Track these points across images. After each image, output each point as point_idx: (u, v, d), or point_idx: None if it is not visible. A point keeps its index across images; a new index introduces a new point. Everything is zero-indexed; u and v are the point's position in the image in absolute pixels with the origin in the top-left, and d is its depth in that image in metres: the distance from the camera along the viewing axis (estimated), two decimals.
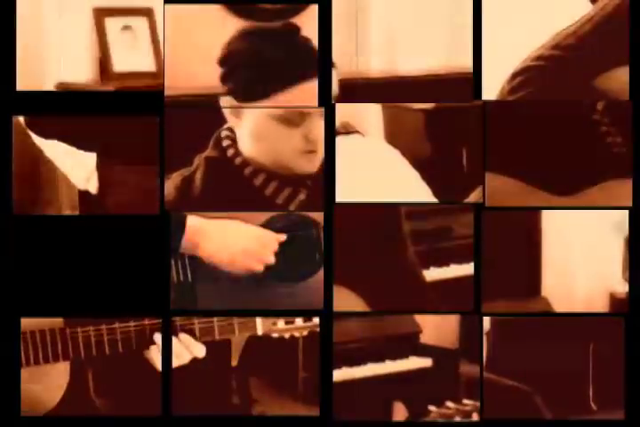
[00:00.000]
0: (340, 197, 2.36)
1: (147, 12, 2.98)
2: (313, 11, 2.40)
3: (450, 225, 2.41)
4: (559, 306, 2.43)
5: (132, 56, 2.96)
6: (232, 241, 2.29)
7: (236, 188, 2.30)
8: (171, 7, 2.40)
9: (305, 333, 2.32)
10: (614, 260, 2.44)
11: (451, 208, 2.39)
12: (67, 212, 2.44)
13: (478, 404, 2.37)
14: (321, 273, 2.34)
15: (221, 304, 2.31)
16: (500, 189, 2.36)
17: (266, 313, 2.31)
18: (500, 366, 2.39)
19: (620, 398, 2.39)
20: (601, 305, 2.46)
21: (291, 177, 2.30)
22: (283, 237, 2.31)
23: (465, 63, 2.42)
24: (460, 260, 2.39)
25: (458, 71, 2.50)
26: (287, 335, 2.31)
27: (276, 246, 2.30)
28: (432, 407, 2.38)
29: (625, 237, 2.41)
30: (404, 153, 2.39)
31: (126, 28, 2.97)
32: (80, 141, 2.41)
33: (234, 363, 2.32)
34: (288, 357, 2.41)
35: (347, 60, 2.57)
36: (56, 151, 2.43)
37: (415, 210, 2.36)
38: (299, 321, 2.32)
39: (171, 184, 2.32)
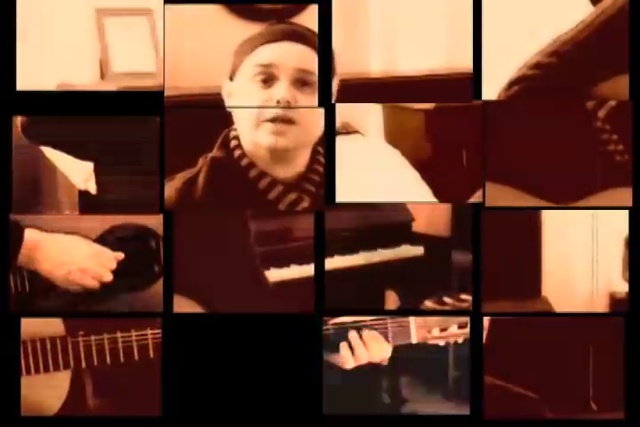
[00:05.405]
0: (340, 197, 2.36)
1: (147, 12, 2.97)
2: (313, 11, 2.40)
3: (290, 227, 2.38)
4: (559, 306, 2.43)
5: (132, 56, 2.95)
6: (69, 259, 2.30)
7: (239, 190, 2.30)
8: (171, 7, 2.41)
9: (460, 340, 2.32)
10: (614, 260, 2.44)
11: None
12: (66, 212, 2.44)
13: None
14: (160, 282, 2.34)
15: (62, 311, 2.32)
16: (499, 198, 2.36)
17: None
18: (500, 367, 2.39)
19: (620, 398, 2.39)
20: (601, 305, 2.46)
21: (295, 183, 2.29)
22: (121, 255, 2.32)
23: (465, 63, 2.43)
24: (301, 261, 2.37)
25: (458, 71, 2.50)
26: (442, 343, 2.31)
27: (113, 265, 2.31)
28: (428, 303, 2.36)
29: (625, 237, 2.41)
30: (404, 153, 2.40)
31: (126, 28, 2.96)
32: (78, 145, 2.41)
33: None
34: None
35: (347, 60, 2.56)
36: (55, 153, 2.43)
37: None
38: (453, 329, 2.31)
39: (172, 187, 2.31)
